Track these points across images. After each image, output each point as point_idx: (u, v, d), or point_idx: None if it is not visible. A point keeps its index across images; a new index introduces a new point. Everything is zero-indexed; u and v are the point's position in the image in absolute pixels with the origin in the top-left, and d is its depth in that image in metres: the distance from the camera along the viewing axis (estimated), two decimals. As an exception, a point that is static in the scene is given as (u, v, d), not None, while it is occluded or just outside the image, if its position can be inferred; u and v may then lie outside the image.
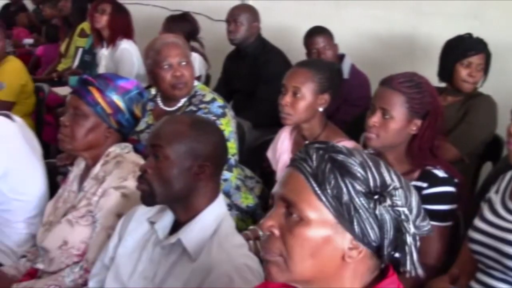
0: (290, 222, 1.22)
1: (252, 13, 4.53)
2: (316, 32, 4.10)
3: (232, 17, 4.48)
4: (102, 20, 4.93)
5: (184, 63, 2.91)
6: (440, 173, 2.30)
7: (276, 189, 1.28)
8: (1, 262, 2.65)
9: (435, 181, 2.28)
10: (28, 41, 6.98)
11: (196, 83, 3.06)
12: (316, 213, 1.21)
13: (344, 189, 1.20)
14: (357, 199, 1.20)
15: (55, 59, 6.14)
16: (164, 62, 2.88)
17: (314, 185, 1.21)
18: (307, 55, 4.09)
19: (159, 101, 3.05)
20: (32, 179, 2.73)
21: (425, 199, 2.26)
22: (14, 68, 4.56)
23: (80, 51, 5.71)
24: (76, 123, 2.27)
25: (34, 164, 2.76)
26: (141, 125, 2.95)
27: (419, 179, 2.30)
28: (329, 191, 1.20)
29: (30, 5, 7.58)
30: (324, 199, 1.20)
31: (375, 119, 2.29)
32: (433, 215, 2.26)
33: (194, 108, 2.92)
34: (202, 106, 2.91)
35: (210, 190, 1.87)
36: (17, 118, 2.84)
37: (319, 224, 1.21)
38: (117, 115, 2.28)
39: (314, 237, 1.21)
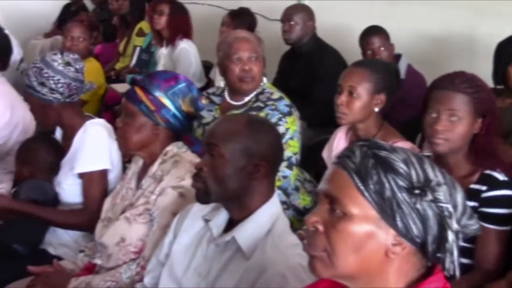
0: (334, 217, 1.24)
1: (307, 12, 4.53)
2: (372, 32, 4.06)
3: (287, 16, 4.49)
4: (161, 21, 4.98)
5: (254, 58, 2.95)
6: (500, 176, 2.24)
7: (320, 186, 1.31)
8: (62, 256, 2.70)
9: (495, 184, 2.23)
10: (87, 40, 7.09)
11: (265, 80, 3.07)
12: (359, 209, 1.22)
13: (387, 185, 1.21)
14: (399, 195, 1.21)
15: (112, 57, 6.24)
16: (234, 55, 2.93)
17: (357, 180, 1.22)
18: (362, 55, 4.06)
19: (226, 95, 3.08)
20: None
21: (484, 202, 2.22)
22: (97, 69, 4.72)
23: (137, 50, 5.80)
24: (126, 124, 2.31)
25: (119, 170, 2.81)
26: (208, 118, 3.00)
27: (478, 182, 2.25)
28: (371, 186, 1.21)
29: (90, 5, 7.74)
30: (366, 194, 1.22)
31: (443, 124, 2.22)
32: (491, 218, 2.23)
33: (261, 105, 2.94)
34: (270, 103, 2.93)
35: (265, 190, 1.87)
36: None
37: (362, 219, 1.22)
38: (161, 111, 2.28)
39: (357, 232, 1.22)
